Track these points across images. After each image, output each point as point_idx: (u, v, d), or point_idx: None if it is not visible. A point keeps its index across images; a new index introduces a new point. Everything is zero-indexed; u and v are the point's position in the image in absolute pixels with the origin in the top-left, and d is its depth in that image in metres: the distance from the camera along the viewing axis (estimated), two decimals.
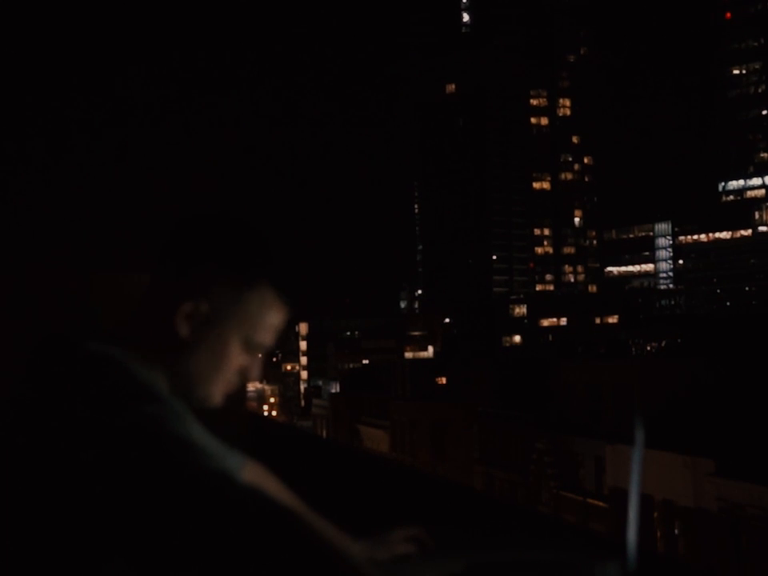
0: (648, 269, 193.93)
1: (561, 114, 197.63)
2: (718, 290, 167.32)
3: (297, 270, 1.50)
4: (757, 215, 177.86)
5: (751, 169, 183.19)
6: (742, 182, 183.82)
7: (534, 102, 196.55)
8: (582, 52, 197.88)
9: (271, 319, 1.52)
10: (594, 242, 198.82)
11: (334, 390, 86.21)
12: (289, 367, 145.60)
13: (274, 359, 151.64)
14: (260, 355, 1.54)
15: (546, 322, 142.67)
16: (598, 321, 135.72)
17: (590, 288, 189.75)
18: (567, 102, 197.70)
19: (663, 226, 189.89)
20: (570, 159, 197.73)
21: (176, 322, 1.47)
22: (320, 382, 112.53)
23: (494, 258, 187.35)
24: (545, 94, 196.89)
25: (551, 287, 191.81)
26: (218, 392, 1.51)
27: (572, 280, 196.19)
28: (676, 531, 30.55)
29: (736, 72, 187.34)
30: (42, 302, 3.58)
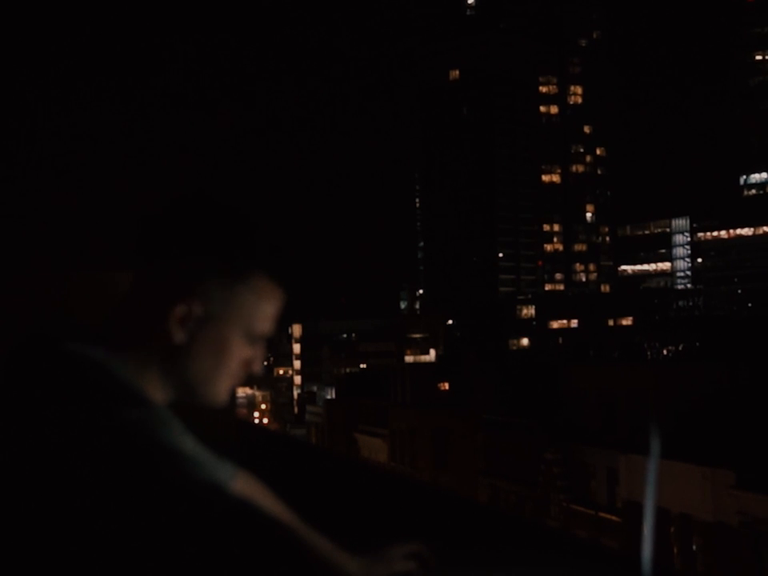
0: (664, 267, 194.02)
1: (572, 102, 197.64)
2: (739, 290, 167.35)
3: (291, 256, 1.52)
4: None
5: None
6: (764, 174, 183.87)
7: (543, 89, 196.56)
8: (594, 36, 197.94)
9: (268, 308, 1.51)
10: (607, 238, 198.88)
11: (329, 396, 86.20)
12: (281, 372, 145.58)
13: (266, 363, 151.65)
14: (262, 345, 1.54)
15: (555, 324, 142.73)
16: (611, 323, 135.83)
17: (602, 288, 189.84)
18: (578, 90, 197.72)
19: (681, 222, 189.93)
20: (582, 150, 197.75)
21: (169, 326, 1.46)
22: (314, 388, 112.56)
23: (500, 255, 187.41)
24: (554, 80, 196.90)
25: (561, 287, 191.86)
26: (224, 389, 1.52)
27: (583, 279, 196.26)
28: (694, 547, 30.55)
29: (758, 58, 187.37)
30: (20, 302, 3.58)
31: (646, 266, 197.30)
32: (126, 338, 1.47)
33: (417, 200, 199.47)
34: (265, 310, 1.51)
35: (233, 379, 1.52)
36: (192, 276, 1.46)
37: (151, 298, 1.47)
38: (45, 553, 1.26)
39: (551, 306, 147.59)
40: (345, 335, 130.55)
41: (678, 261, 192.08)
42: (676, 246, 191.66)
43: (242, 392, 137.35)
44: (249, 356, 1.52)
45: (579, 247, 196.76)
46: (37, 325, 1.45)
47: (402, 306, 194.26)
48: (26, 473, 1.29)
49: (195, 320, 1.46)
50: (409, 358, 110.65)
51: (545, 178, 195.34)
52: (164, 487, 1.26)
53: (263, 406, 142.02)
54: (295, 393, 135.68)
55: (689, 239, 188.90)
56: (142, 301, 1.49)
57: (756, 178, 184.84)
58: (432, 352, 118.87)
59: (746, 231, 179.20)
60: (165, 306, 1.46)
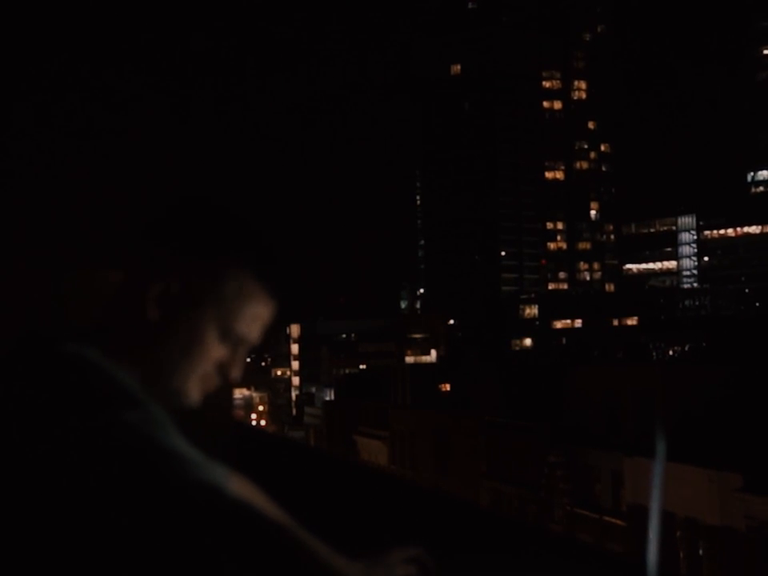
0: (670, 266, 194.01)
1: (575, 98, 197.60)
2: (746, 290, 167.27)
3: (289, 262, 1.52)
4: None
5: None
6: None
7: (546, 84, 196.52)
8: (598, 30, 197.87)
9: (252, 310, 1.52)
10: (612, 236, 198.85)
11: (328, 398, 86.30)
12: (279, 372, 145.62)
13: (263, 364, 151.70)
14: (243, 352, 1.54)
15: (559, 324, 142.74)
16: (615, 322, 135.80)
17: (606, 287, 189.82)
18: (582, 85, 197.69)
19: (687, 220, 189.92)
20: (586, 147, 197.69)
21: (145, 304, 1.48)
22: (313, 389, 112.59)
23: (503, 254, 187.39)
24: (558, 75, 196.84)
25: (565, 286, 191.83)
26: (194, 386, 1.51)
27: (587, 278, 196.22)
28: (700, 552, 30.56)
29: (766, 52, 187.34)
30: (13, 300, 3.58)
31: (651, 265, 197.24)
32: (109, 328, 1.49)
33: (417, 198, 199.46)
34: (248, 310, 1.51)
35: (205, 379, 1.51)
36: (174, 260, 1.49)
37: (133, 281, 1.51)
38: (42, 554, 1.26)
39: (554, 306, 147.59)
40: (344, 335, 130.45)
41: (683, 259, 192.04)
42: (682, 244, 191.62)
43: (239, 393, 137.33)
44: (224, 358, 1.52)
45: (583, 245, 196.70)
46: (33, 324, 1.46)
47: (402, 305, 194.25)
48: (23, 474, 1.30)
49: (172, 299, 1.48)
50: (409, 359, 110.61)
51: (548, 174, 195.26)
52: (162, 488, 1.26)
53: (261, 408, 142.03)
54: (293, 394, 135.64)
55: (695, 237, 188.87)
56: (124, 287, 1.52)
57: (763, 175, 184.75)
58: (433, 352, 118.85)
59: (754, 229, 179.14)
60: (143, 285, 1.48)
